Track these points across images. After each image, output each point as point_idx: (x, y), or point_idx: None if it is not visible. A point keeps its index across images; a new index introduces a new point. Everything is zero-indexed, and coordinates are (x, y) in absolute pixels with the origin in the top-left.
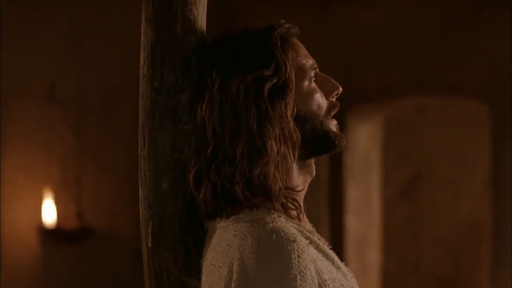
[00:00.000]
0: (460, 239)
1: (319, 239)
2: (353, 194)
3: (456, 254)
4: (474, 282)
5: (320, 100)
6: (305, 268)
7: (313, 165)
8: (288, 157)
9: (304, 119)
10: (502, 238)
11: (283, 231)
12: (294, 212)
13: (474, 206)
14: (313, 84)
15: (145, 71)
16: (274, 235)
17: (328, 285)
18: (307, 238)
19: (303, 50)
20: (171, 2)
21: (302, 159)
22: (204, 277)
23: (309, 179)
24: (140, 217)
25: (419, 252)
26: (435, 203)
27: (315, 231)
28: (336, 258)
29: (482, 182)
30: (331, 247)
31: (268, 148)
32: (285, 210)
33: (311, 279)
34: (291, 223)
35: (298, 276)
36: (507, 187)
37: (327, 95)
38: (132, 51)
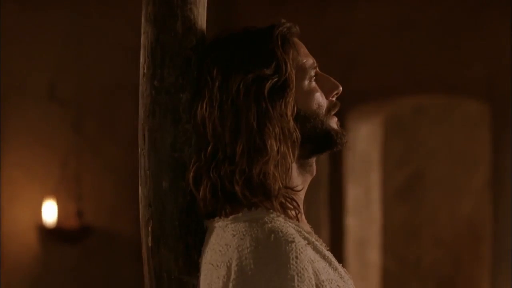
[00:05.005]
0: (460, 239)
1: (317, 240)
2: (353, 194)
3: (456, 253)
4: (474, 281)
5: (320, 99)
6: (302, 268)
7: (314, 164)
8: (288, 156)
9: (304, 118)
10: (502, 238)
11: (281, 231)
12: (292, 212)
13: (474, 206)
14: (313, 84)
15: (145, 70)
16: (273, 235)
17: (325, 286)
18: (305, 238)
19: (303, 49)
20: (171, 2)
21: (303, 158)
22: (202, 276)
23: (309, 179)
24: (140, 216)
25: (419, 251)
26: (435, 203)
27: (313, 232)
28: (333, 259)
29: (482, 182)
30: (328, 248)
31: (268, 147)
32: (284, 210)
33: (309, 280)
34: (290, 223)
35: (296, 277)
36: (507, 186)
37: (327, 95)
38: (132, 50)
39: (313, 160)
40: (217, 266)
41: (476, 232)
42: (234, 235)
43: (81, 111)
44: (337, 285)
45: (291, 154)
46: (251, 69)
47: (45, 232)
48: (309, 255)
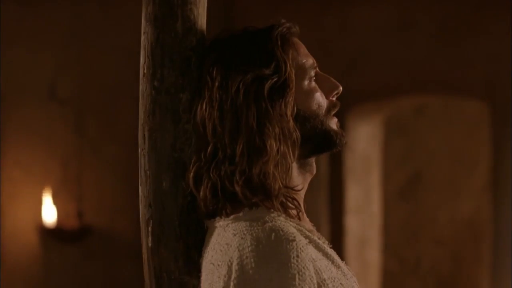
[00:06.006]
0: (460, 239)
1: (319, 238)
2: (353, 193)
3: (456, 253)
4: (474, 281)
5: (320, 99)
6: (303, 267)
7: (314, 163)
8: (288, 156)
9: (304, 118)
10: (502, 238)
11: (282, 230)
12: (293, 211)
13: (474, 206)
14: (313, 84)
15: (145, 71)
16: (273, 234)
17: (327, 284)
18: (306, 237)
19: (303, 49)
20: (171, 2)
21: (303, 158)
22: (203, 276)
23: (309, 178)
24: (140, 216)
25: (419, 251)
26: (435, 203)
27: (315, 230)
28: (336, 257)
29: (482, 182)
30: (331, 246)
31: (268, 147)
32: (285, 209)
33: (310, 279)
34: (291, 222)
35: (297, 275)
36: (507, 187)
37: (327, 95)
38: (132, 50)
39: (313, 160)
40: (218, 265)
41: (476, 232)
42: (235, 235)
43: (81, 111)
44: (340, 283)
45: (291, 154)
46: (250, 69)
47: (45, 232)
48: (311, 253)
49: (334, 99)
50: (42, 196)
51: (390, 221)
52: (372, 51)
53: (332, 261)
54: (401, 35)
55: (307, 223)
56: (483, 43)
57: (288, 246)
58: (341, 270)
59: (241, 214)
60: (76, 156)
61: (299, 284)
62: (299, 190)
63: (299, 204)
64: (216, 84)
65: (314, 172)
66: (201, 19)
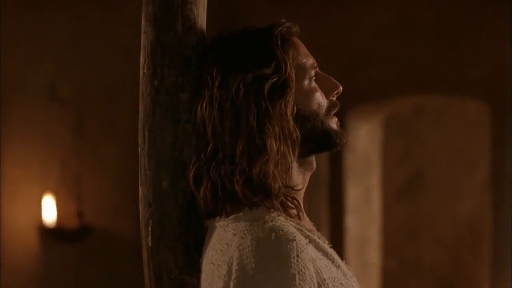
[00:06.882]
0: (460, 239)
1: (319, 238)
2: (353, 193)
3: (456, 253)
4: (474, 281)
5: (320, 99)
6: (304, 267)
7: (314, 160)
8: (288, 156)
9: (304, 118)
10: (502, 238)
11: (282, 230)
12: (294, 211)
13: (474, 206)
14: (313, 83)
15: (145, 70)
16: (273, 234)
17: (328, 284)
18: (306, 237)
19: (303, 49)
20: (171, 1)
21: (302, 156)
22: (203, 276)
23: (309, 174)
24: (140, 216)
25: (419, 251)
26: (435, 203)
27: (315, 229)
28: (336, 257)
29: (482, 182)
30: (331, 245)
31: (268, 147)
32: (285, 209)
33: (310, 278)
34: (291, 222)
35: (297, 275)
36: (507, 186)
37: (327, 94)
38: (132, 50)
39: (313, 158)
40: (218, 265)
41: (476, 232)
42: (235, 234)
43: (81, 111)
44: (340, 282)
45: (291, 154)
46: (251, 68)
47: (45, 232)
48: (311, 253)
49: (334, 99)
50: (42, 196)
51: (390, 221)
52: (372, 51)
53: (332, 261)
54: (401, 35)
55: (307, 222)
56: (483, 42)
57: (288, 246)
58: (341, 270)
59: (241, 214)
60: (76, 156)
61: (299, 284)
62: (299, 190)
63: (299, 203)
64: (216, 83)
65: (315, 167)
66: (201, 19)
